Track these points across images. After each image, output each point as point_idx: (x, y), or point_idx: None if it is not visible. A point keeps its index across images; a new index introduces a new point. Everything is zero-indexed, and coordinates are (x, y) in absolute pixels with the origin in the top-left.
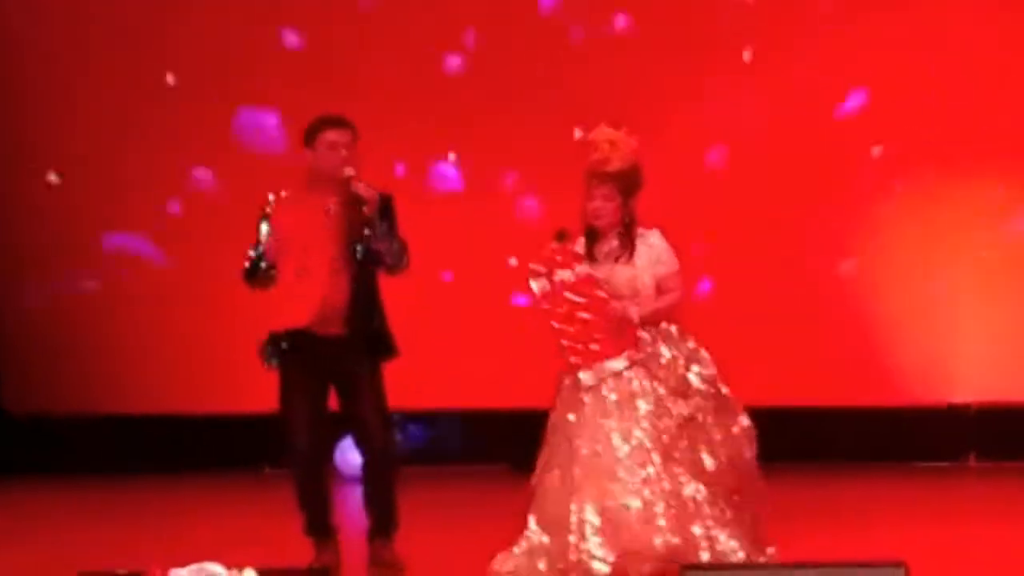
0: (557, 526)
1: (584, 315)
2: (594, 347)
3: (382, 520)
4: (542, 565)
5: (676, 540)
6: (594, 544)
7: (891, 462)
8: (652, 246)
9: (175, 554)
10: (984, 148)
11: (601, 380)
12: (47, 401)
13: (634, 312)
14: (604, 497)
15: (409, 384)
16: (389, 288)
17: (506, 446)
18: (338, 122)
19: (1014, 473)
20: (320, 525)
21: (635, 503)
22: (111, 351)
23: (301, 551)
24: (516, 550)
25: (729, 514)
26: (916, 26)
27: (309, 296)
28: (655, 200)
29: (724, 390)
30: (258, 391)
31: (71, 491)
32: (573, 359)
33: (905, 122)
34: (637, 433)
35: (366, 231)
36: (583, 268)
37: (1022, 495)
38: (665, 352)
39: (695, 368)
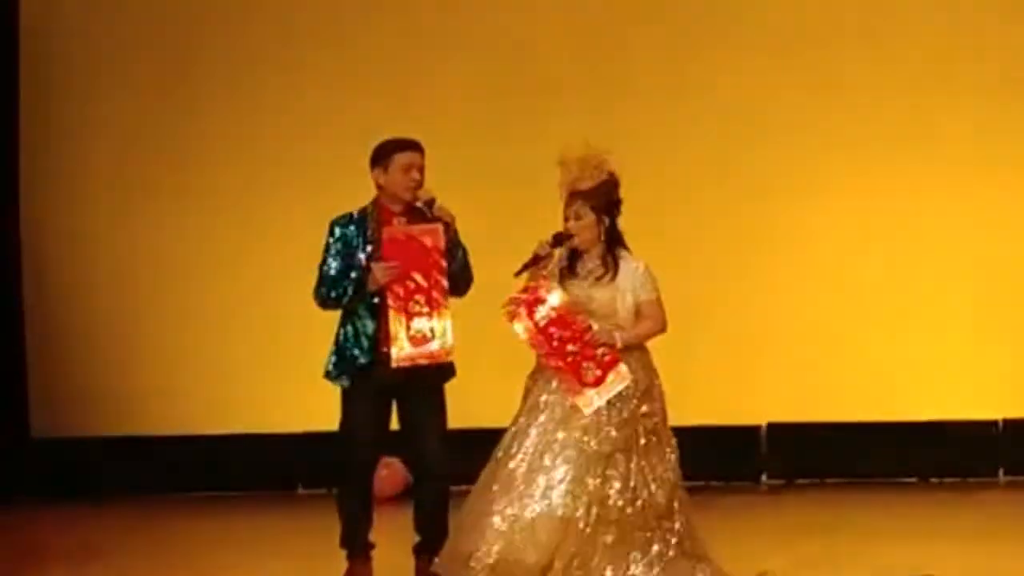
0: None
1: (572, 348)
2: (588, 376)
3: (430, 538)
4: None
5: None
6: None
7: (920, 478)
8: (635, 270)
9: None
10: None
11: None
12: (76, 425)
13: (618, 337)
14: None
15: None
16: None
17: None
18: (411, 144)
19: None
20: (359, 540)
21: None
22: (140, 372)
23: (335, 569)
24: None
25: (634, 551)
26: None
27: (443, 325)
28: None
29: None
30: (290, 411)
31: (102, 515)
32: (567, 391)
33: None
34: (569, 452)
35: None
36: (557, 297)
37: None
38: (631, 386)
39: (644, 408)
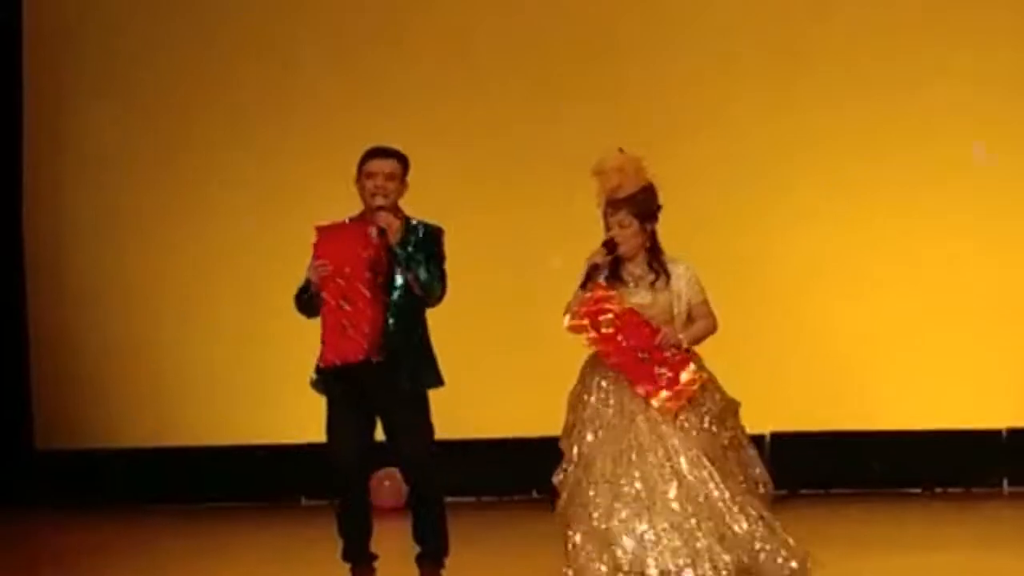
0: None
1: (643, 355)
2: (662, 379)
3: (430, 547)
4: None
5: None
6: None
7: (924, 488)
8: (684, 274)
9: None
10: None
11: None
12: (80, 436)
13: (682, 338)
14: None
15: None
16: None
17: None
18: (380, 152)
19: None
20: (358, 552)
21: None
22: (144, 384)
23: None
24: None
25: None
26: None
27: (357, 328)
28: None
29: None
30: (292, 422)
31: (105, 525)
32: (644, 395)
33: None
34: (694, 449)
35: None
36: (620, 305)
37: None
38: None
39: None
